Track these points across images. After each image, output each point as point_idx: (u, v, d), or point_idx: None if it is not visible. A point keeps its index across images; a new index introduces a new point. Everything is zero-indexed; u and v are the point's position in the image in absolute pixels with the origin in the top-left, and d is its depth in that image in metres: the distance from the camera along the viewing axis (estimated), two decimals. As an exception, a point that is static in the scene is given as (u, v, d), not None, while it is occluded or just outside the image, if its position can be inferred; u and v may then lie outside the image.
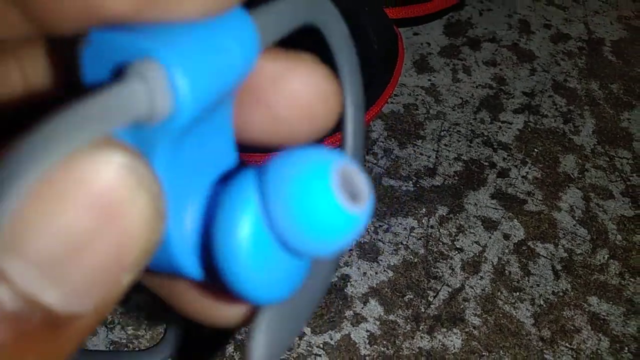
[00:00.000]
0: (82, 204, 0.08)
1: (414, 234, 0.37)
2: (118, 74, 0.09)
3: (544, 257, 0.36)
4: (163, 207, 0.09)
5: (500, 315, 0.34)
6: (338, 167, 0.09)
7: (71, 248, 0.08)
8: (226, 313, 0.13)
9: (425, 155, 0.41)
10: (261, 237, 0.09)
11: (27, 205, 0.08)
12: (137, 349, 0.32)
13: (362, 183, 0.10)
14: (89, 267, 0.08)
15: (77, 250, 0.08)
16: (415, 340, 0.33)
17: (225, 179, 0.11)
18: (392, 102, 0.44)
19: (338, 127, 0.36)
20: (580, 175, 0.40)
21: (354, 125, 0.14)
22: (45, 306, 0.08)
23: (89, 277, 0.08)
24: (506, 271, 0.36)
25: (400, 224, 0.38)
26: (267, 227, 0.10)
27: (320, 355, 0.32)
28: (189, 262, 0.10)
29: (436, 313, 0.34)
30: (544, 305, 0.34)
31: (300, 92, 0.13)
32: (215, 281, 0.10)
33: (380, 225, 0.37)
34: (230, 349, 0.32)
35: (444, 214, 0.38)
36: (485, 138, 0.42)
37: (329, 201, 0.09)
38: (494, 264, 0.36)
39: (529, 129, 0.43)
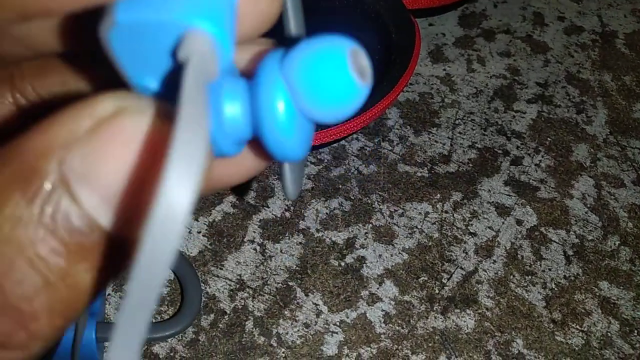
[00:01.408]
0: (133, 151, 0.10)
1: (428, 219, 0.38)
2: (175, 54, 0.11)
3: (556, 242, 0.37)
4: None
5: (513, 297, 0.35)
6: (351, 48, 0.11)
7: (123, 183, 0.10)
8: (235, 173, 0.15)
9: (440, 143, 0.42)
10: (290, 110, 0.12)
11: (96, 149, 0.10)
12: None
13: (367, 63, 0.12)
14: (136, 197, 0.10)
15: (126, 184, 0.10)
16: (429, 320, 0.34)
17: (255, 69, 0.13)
18: (407, 91, 0.45)
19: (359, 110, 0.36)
20: (592, 164, 0.41)
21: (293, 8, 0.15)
22: (101, 227, 0.10)
23: (135, 205, 0.10)
24: (519, 255, 0.37)
25: (415, 208, 0.38)
26: (293, 100, 0.12)
27: (337, 333, 0.33)
28: (227, 145, 0.12)
29: (450, 294, 0.35)
30: (556, 289, 0.35)
31: None
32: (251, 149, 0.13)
33: (395, 210, 0.38)
34: (249, 324, 0.33)
35: (458, 200, 0.39)
36: (499, 127, 0.43)
37: (345, 75, 0.11)
38: (507, 248, 0.37)
39: (542, 119, 0.44)
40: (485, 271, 0.36)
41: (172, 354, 0.32)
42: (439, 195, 0.39)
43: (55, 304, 0.10)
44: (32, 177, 0.09)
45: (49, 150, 0.10)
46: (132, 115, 0.10)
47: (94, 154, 0.10)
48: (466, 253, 0.37)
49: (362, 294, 0.35)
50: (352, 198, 0.39)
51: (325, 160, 0.41)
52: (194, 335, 0.33)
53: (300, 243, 0.37)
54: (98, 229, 0.10)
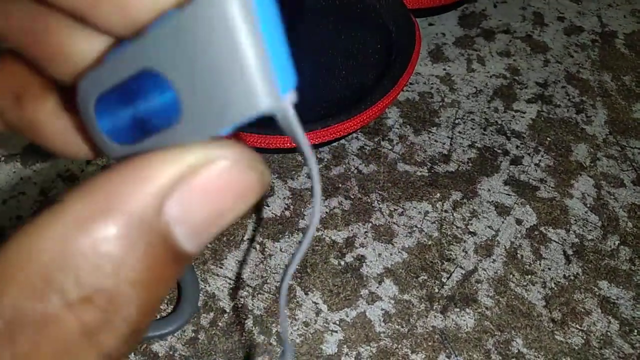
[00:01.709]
0: (229, 195, 0.12)
1: (428, 218, 0.38)
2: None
3: (556, 242, 0.37)
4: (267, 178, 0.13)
5: (512, 296, 0.35)
6: None
7: (213, 222, 0.12)
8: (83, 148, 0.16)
9: (440, 142, 0.42)
10: None
11: (193, 196, 0.12)
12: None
13: None
14: (215, 230, 0.13)
15: (214, 223, 0.12)
16: (429, 319, 0.34)
17: None
18: (407, 90, 0.45)
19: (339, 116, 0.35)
20: (592, 164, 0.41)
21: None
22: (187, 253, 0.12)
23: (212, 235, 0.13)
24: (518, 255, 0.37)
25: (415, 207, 0.38)
26: None
27: (336, 332, 0.33)
28: None
29: (449, 293, 0.35)
30: (555, 288, 0.35)
31: None
32: None
33: (395, 209, 0.38)
34: (249, 323, 0.33)
35: (458, 199, 0.39)
36: (499, 126, 0.43)
37: None
38: (507, 247, 0.37)
39: (542, 118, 0.44)
40: (485, 270, 0.36)
41: (171, 353, 0.32)
42: (438, 194, 0.39)
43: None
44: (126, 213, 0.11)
45: (147, 196, 0.11)
46: (225, 165, 0.12)
47: (190, 203, 0.12)
48: (466, 252, 0.37)
49: (361, 293, 0.35)
50: (352, 197, 0.39)
51: (325, 159, 0.41)
52: (193, 334, 0.33)
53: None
54: (183, 254, 0.12)
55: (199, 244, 0.12)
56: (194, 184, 0.12)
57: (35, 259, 0.11)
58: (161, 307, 0.34)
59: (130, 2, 0.12)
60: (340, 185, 0.39)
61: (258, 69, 0.11)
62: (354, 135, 0.42)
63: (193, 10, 0.11)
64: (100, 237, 0.11)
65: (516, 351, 0.33)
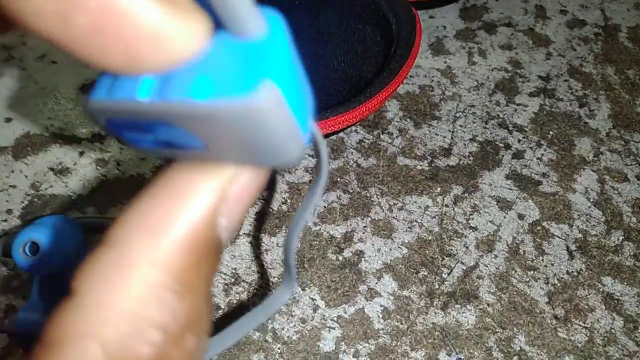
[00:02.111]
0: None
1: (428, 213, 0.37)
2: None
3: (559, 237, 0.36)
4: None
5: (514, 293, 0.34)
6: None
7: (242, 219, 0.14)
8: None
9: (441, 136, 0.41)
10: None
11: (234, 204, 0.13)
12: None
13: None
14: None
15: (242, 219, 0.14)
16: (429, 315, 0.33)
17: None
18: (407, 83, 0.44)
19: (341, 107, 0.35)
20: (595, 158, 0.40)
21: None
22: (224, 240, 0.13)
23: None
24: (520, 250, 0.36)
25: (415, 202, 0.38)
26: None
27: (334, 328, 0.33)
28: None
29: (450, 290, 0.34)
30: (558, 285, 0.34)
31: None
32: None
33: (394, 204, 0.37)
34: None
35: (459, 194, 0.38)
36: (501, 120, 0.42)
37: None
38: (509, 243, 0.36)
39: (545, 112, 0.43)
40: (487, 266, 0.35)
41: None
42: (439, 188, 0.38)
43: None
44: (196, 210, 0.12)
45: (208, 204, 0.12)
46: (251, 176, 0.13)
47: (231, 210, 0.13)
48: (467, 247, 0.36)
49: (360, 289, 0.34)
50: (351, 191, 0.38)
51: (323, 153, 0.40)
52: (187, 330, 0.32)
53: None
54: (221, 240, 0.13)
55: (230, 238, 0.14)
56: (234, 194, 0.13)
57: (121, 299, 0.11)
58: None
59: (141, 55, 0.11)
60: (338, 179, 0.38)
61: (286, 138, 0.11)
62: (353, 128, 0.41)
63: (227, 100, 0.11)
64: (173, 268, 0.12)
65: (518, 348, 0.32)
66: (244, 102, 0.10)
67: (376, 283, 0.34)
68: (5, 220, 0.36)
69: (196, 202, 0.12)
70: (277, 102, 0.11)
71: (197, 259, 0.12)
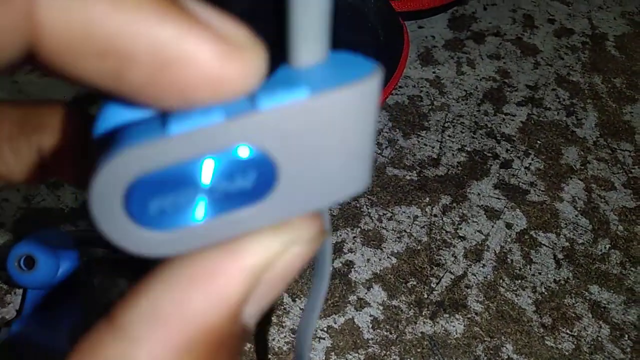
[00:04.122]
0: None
1: (417, 222, 0.38)
2: None
3: (546, 246, 0.37)
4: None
5: (502, 302, 0.34)
6: None
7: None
8: None
9: (429, 146, 0.41)
10: None
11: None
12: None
13: None
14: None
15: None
16: (418, 325, 0.34)
17: None
18: (396, 94, 0.44)
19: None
20: (582, 167, 0.41)
21: None
22: (250, 328, 0.12)
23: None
24: (508, 259, 0.36)
25: (404, 212, 0.38)
26: None
27: (324, 339, 0.33)
28: None
29: (439, 299, 0.34)
30: (545, 293, 0.35)
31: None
32: None
33: (384, 214, 0.38)
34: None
35: (447, 203, 0.39)
36: (489, 129, 0.43)
37: None
38: (496, 252, 0.36)
39: (532, 122, 0.43)
40: (475, 275, 0.35)
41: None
42: (428, 198, 0.39)
43: None
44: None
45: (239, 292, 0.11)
46: (299, 250, 0.12)
47: (263, 294, 0.11)
48: (455, 257, 0.36)
49: (350, 299, 0.34)
50: (341, 202, 0.38)
51: (314, 164, 0.40)
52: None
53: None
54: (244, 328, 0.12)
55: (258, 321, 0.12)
56: (274, 276, 0.11)
57: None
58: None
59: (198, 97, 0.10)
60: (328, 190, 0.39)
61: (370, 156, 0.12)
62: (343, 139, 0.41)
63: (324, 98, 0.11)
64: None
65: (506, 357, 0.32)
66: (361, 83, 0.10)
67: (366, 293, 0.35)
68: (-2, 234, 0.37)
69: (218, 290, 0.11)
70: (378, 91, 0.11)
71: (211, 357, 0.11)
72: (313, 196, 0.11)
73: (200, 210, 0.11)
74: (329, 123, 0.11)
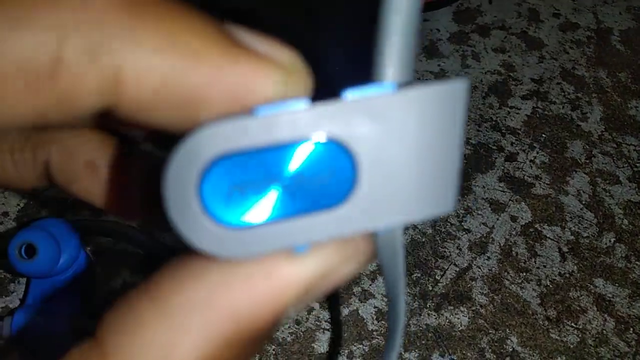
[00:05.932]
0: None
1: (422, 215, 0.37)
2: None
3: (551, 239, 0.37)
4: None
5: (507, 294, 0.34)
6: None
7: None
8: None
9: (434, 138, 0.41)
10: None
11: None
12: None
13: None
14: None
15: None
16: (422, 317, 0.33)
17: None
18: (401, 86, 0.44)
19: None
20: (587, 161, 0.41)
21: None
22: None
23: None
24: (513, 252, 0.36)
25: (409, 204, 0.38)
26: None
27: (328, 330, 0.33)
28: None
29: (443, 291, 0.34)
30: (550, 286, 0.35)
31: None
32: None
33: (388, 206, 0.38)
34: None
35: (452, 196, 0.38)
36: (494, 123, 0.42)
37: None
38: (501, 245, 0.36)
39: (537, 115, 0.43)
40: (479, 268, 0.35)
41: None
42: (432, 191, 0.39)
43: None
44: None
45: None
46: (349, 269, 0.12)
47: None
48: (460, 249, 0.36)
49: (354, 291, 0.34)
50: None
51: (318, 156, 0.40)
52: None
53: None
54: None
55: None
56: (317, 289, 0.11)
57: None
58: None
59: (244, 89, 0.10)
60: (333, 181, 0.39)
61: (457, 174, 0.11)
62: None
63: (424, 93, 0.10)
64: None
65: (511, 349, 0.32)
66: (449, 84, 0.11)
67: (370, 285, 0.34)
68: (1, 223, 0.37)
69: (273, 293, 0.11)
70: (465, 97, 0.11)
71: (244, 350, 0.11)
72: (391, 209, 0.11)
73: (275, 203, 0.10)
74: (413, 123, 0.10)
